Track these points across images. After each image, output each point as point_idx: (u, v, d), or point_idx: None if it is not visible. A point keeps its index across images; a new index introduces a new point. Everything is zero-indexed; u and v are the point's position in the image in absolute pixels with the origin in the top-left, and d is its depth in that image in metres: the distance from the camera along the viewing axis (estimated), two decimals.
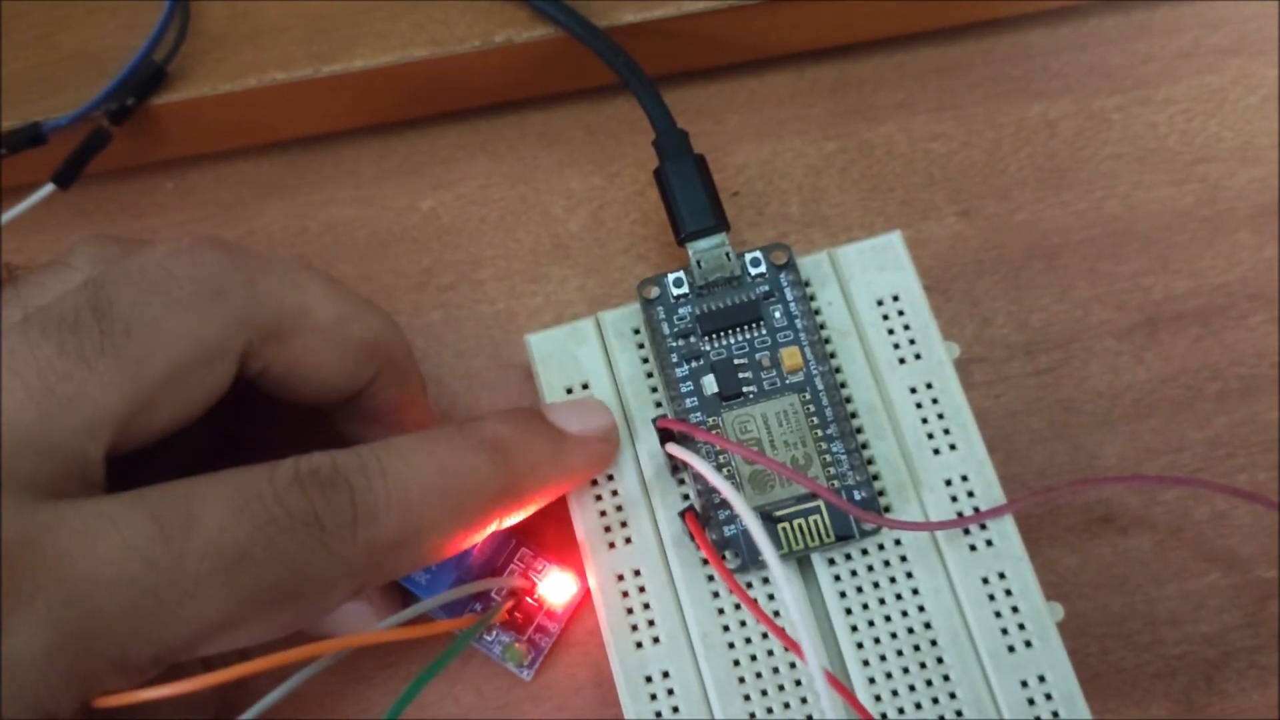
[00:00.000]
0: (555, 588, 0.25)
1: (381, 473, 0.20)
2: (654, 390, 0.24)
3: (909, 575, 0.23)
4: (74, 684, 0.17)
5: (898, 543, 0.23)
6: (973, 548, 0.23)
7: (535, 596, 0.25)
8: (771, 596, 0.23)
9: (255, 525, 0.18)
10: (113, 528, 0.18)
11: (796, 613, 0.19)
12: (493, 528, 0.21)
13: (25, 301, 0.21)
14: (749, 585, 0.23)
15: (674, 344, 0.24)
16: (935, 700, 0.22)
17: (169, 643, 0.18)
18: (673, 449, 0.22)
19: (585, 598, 0.25)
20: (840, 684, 0.21)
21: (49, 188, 0.27)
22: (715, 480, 0.21)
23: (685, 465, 0.23)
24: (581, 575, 0.25)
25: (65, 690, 0.17)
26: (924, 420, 0.24)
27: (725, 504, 0.23)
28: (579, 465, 0.23)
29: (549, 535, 0.25)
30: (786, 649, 0.22)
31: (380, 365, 0.23)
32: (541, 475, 0.22)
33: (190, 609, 0.18)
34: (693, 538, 0.23)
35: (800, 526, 0.22)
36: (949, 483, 0.23)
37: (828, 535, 0.22)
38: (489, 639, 0.24)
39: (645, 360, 0.24)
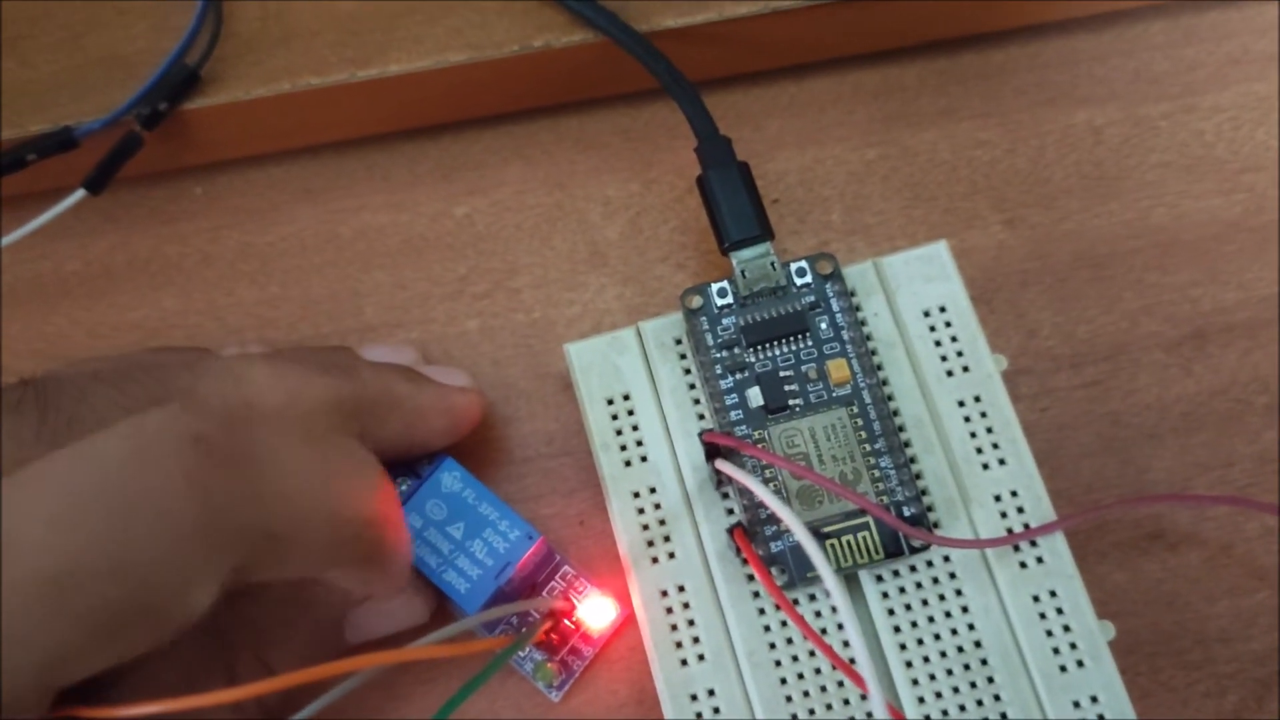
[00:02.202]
0: (594, 612, 0.24)
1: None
2: (696, 402, 0.24)
3: (959, 593, 0.22)
4: None
5: (947, 560, 0.22)
6: (1023, 565, 0.22)
7: (573, 619, 0.24)
8: (818, 614, 0.22)
9: None
10: None
11: (853, 634, 0.18)
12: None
13: None
14: (795, 602, 0.22)
15: (718, 355, 0.24)
16: None
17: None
18: (722, 465, 0.22)
19: (624, 623, 0.25)
20: (900, 715, 0.20)
21: (80, 193, 0.27)
22: (766, 497, 0.20)
23: (732, 481, 0.22)
24: (622, 600, 0.24)
25: None
26: (973, 434, 0.23)
27: (771, 519, 0.22)
28: (432, 403, 0.24)
29: (594, 552, 0.25)
30: (835, 667, 0.21)
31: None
32: (391, 394, 0.23)
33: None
34: (740, 553, 0.22)
35: (849, 543, 0.22)
36: (998, 498, 0.23)
37: (877, 552, 0.22)
38: (522, 655, 0.24)
39: (688, 371, 0.24)
